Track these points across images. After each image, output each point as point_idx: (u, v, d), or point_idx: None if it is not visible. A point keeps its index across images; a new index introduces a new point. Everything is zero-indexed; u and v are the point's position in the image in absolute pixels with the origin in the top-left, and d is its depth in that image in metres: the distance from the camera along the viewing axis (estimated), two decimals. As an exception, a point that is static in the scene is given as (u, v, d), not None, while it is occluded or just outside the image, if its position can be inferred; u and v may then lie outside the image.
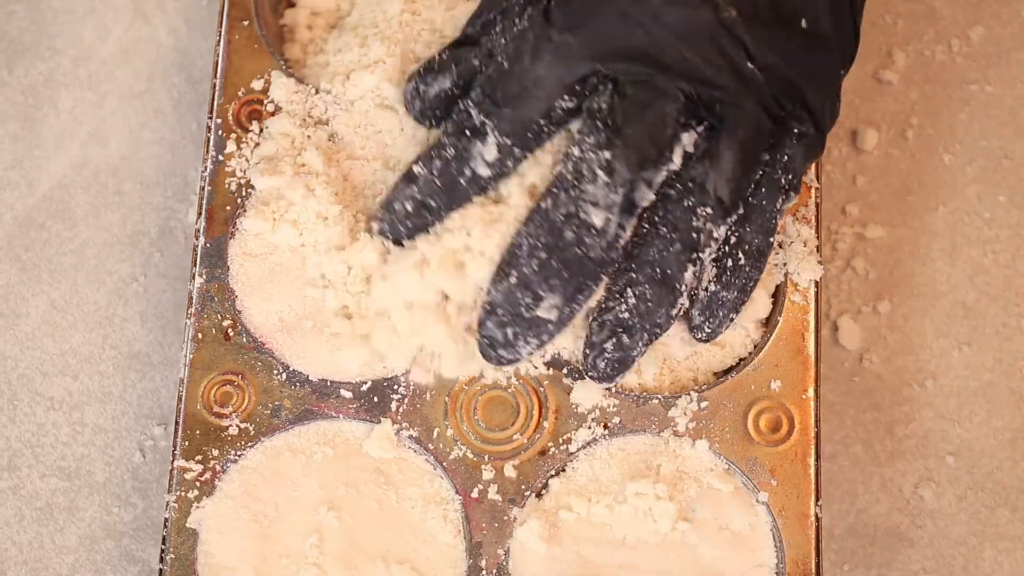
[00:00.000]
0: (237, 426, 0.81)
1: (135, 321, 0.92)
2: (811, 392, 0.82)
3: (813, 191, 0.85)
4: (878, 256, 0.94)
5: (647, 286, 0.77)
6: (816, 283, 0.84)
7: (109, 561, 0.88)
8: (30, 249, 0.93)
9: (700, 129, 0.77)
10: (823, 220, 0.88)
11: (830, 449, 0.90)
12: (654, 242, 0.77)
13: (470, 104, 0.78)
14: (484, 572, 0.80)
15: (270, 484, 0.81)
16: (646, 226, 0.78)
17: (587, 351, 0.79)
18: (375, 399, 0.82)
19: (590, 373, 0.80)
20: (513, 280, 0.77)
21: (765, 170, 0.79)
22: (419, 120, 0.83)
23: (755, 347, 0.84)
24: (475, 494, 0.81)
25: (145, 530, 0.88)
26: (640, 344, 0.79)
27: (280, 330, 0.83)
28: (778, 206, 0.80)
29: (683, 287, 0.78)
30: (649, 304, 0.78)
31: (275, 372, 0.82)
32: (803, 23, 0.79)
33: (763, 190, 0.79)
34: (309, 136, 0.85)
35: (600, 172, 0.76)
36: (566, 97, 0.77)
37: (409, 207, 0.80)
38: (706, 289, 0.80)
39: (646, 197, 0.77)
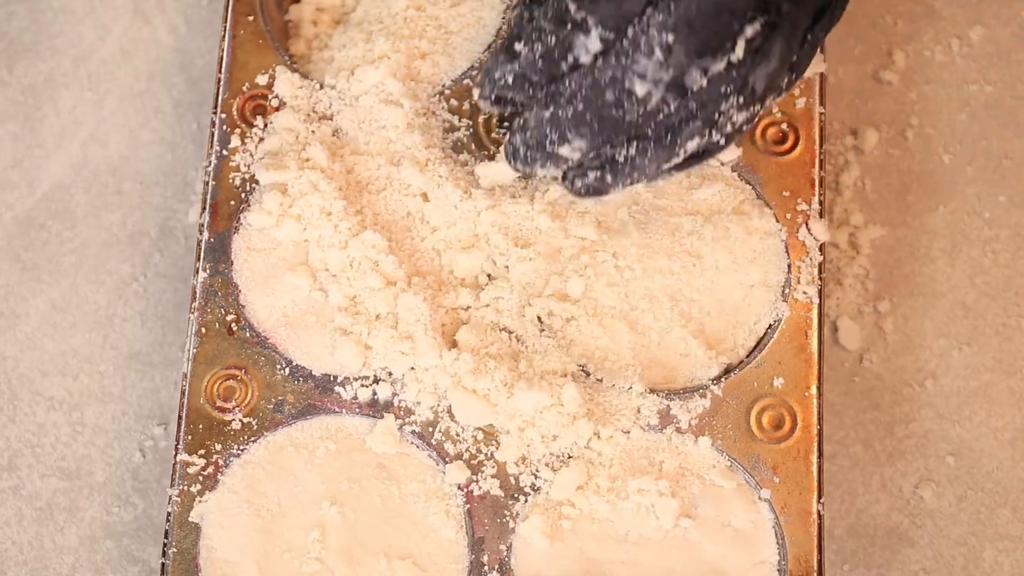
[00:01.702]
0: (240, 420, 0.81)
1: (135, 321, 0.92)
2: (814, 389, 0.82)
3: (816, 190, 0.85)
4: (878, 256, 0.94)
5: (651, 142, 0.78)
6: (819, 281, 0.84)
7: (109, 561, 0.88)
8: (30, 249, 0.93)
9: (762, 22, 0.76)
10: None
11: (830, 449, 0.90)
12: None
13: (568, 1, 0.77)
14: (486, 567, 0.80)
15: (273, 479, 0.81)
16: None
17: (570, 171, 0.80)
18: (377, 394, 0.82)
19: (564, 183, 0.81)
20: (547, 114, 0.78)
21: None
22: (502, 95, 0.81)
23: (758, 344, 0.84)
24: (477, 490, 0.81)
25: (145, 530, 0.88)
26: (620, 185, 0.80)
27: (283, 325, 0.83)
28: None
29: (682, 152, 0.78)
30: (647, 159, 0.78)
31: (278, 367, 0.82)
32: None
33: None
34: (313, 131, 0.85)
35: (657, 50, 0.75)
36: None
37: (510, 79, 0.79)
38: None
39: (697, 82, 0.76)
